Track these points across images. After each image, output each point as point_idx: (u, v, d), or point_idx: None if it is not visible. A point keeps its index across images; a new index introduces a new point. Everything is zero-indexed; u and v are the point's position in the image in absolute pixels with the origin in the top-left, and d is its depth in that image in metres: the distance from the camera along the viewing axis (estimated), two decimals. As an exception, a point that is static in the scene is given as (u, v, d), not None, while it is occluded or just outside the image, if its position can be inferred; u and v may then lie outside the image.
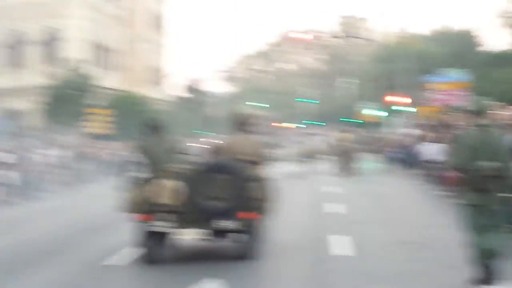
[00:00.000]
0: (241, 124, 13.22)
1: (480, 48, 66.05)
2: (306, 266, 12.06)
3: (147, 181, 12.66)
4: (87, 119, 51.44)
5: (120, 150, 44.81)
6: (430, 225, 16.52)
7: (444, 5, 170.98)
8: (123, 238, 14.82)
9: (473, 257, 9.88)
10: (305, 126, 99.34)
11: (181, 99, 73.56)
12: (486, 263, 9.79)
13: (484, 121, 10.00)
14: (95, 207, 23.60)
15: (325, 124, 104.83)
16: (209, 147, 15.68)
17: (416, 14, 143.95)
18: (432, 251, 13.00)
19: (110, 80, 62.57)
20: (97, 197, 28.76)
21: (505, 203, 9.92)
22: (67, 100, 48.21)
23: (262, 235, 12.99)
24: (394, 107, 58.29)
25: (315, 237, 15.12)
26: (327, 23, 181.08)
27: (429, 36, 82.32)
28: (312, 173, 35.84)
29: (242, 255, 12.51)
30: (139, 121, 55.16)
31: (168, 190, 12.33)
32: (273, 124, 73.24)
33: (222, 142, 13.82)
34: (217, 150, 13.30)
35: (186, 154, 13.88)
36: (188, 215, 12.30)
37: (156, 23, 79.65)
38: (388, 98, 62.94)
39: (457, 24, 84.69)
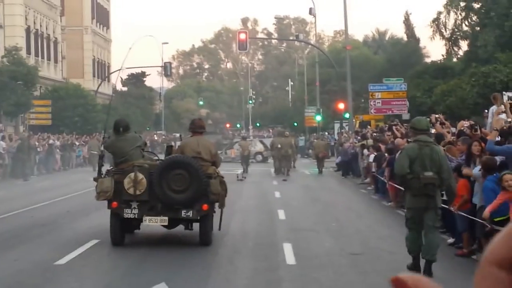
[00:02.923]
0: (199, 127, 15.02)
1: (415, 57, 67.29)
2: (251, 273, 12.28)
3: (116, 174, 14.23)
4: (26, 110, 50.79)
5: (61, 142, 44.62)
6: (378, 236, 16.52)
7: (376, 10, 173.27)
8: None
9: (407, 250, 11.72)
10: (242, 127, 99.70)
11: (124, 93, 73.25)
12: (415, 256, 11.66)
13: (423, 137, 11.69)
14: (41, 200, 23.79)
15: (259, 125, 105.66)
16: (168, 144, 17.60)
17: (350, 17, 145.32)
18: (379, 263, 13.13)
19: (49, 70, 61.91)
20: (44, 190, 28.83)
21: (439, 206, 11.71)
22: (3, 89, 47.30)
23: (212, 225, 14.65)
24: (334, 113, 59.07)
25: (259, 243, 15.32)
26: (262, 22, 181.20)
27: (364, 42, 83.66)
28: (251, 175, 36.51)
29: (199, 241, 14.43)
30: (78, 113, 54.89)
31: (134, 182, 13.97)
32: (227, 125, 73.68)
33: (181, 141, 15.93)
34: (177, 149, 15.02)
35: (149, 151, 16.30)
36: (152, 204, 14.12)
37: (103, 17, 79.10)
38: (328, 103, 63.73)
39: (390, 30, 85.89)
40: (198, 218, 14.32)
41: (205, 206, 14.08)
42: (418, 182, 11.35)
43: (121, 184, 13.99)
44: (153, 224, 14.51)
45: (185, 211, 14.10)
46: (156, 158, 16.04)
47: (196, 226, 14.80)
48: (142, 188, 13.99)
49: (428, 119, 22.03)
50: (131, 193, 13.99)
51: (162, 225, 14.73)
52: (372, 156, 26.25)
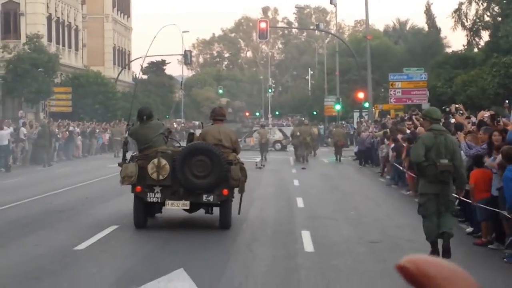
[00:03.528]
0: (220, 115, 15.67)
1: (436, 47, 67.04)
2: (270, 260, 12.28)
3: (139, 159, 14.74)
4: (47, 97, 51.08)
5: (81, 129, 44.84)
6: (397, 225, 16.45)
7: (397, 0, 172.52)
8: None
9: (426, 236, 12.00)
10: (261, 115, 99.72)
11: (144, 81, 73.39)
12: (432, 242, 11.98)
13: (437, 126, 12.09)
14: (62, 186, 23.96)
15: (278, 114, 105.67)
16: (190, 131, 18.03)
17: (371, 7, 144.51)
18: (398, 251, 13.02)
19: (70, 58, 62.13)
20: (65, 176, 29.00)
21: (453, 193, 12.25)
22: (25, 76, 47.59)
23: (231, 209, 15.10)
24: (354, 102, 58.98)
25: (277, 230, 15.37)
26: (283, 11, 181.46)
27: (384, 32, 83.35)
28: (270, 163, 36.56)
29: (219, 224, 14.98)
30: (98, 101, 55.19)
31: (158, 167, 14.46)
32: (246, 113, 73.91)
33: (202, 129, 16.45)
34: (198, 136, 15.56)
35: (172, 139, 16.78)
36: (175, 189, 14.61)
37: (124, 5, 79.24)
38: (347, 92, 63.57)
39: (411, 20, 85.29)
40: (219, 202, 14.80)
41: (225, 191, 14.56)
42: (434, 169, 11.66)
43: (145, 169, 14.48)
44: (175, 208, 14.94)
45: (206, 195, 14.58)
46: (178, 145, 16.62)
47: (216, 210, 15.30)
48: (165, 173, 14.46)
49: (448, 109, 22.07)
50: (154, 178, 14.46)
51: (184, 209, 15.15)
52: (393, 145, 26.10)
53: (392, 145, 25.78)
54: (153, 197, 14.63)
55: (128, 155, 15.53)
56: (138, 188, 14.64)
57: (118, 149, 38.95)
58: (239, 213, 15.22)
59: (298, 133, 38.06)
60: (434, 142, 11.74)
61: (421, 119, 23.84)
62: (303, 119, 54.65)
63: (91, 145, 46.73)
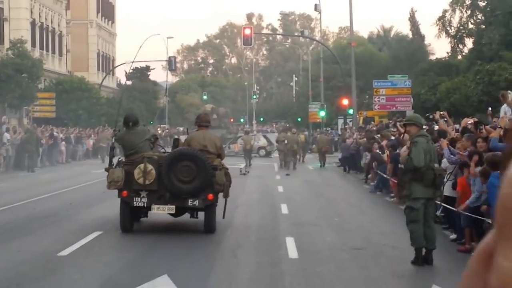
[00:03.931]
0: (205, 121, 16.00)
1: (420, 54, 67.34)
2: (254, 266, 12.25)
3: (126, 165, 14.98)
4: (30, 102, 50.84)
5: (64, 135, 44.64)
6: (381, 232, 16.42)
7: (381, 7, 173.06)
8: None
9: (411, 242, 12.13)
10: (245, 121, 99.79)
11: (128, 87, 73.27)
12: (417, 248, 12.09)
13: (424, 132, 12.61)
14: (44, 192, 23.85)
15: (263, 120, 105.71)
16: (175, 137, 18.56)
17: (355, 14, 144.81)
18: (382, 258, 13.08)
19: (54, 63, 61.89)
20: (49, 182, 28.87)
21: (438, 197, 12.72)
22: (8, 81, 47.32)
23: (216, 214, 15.35)
24: (338, 109, 59.08)
25: (261, 237, 15.34)
26: (267, 18, 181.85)
27: (369, 38, 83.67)
28: (255, 170, 36.56)
29: (204, 229, 15.21)
30: (82, 106, 54.90)
31: (144, 172, 14.72)
32: (231, 120, 73.98)
33: (188, 135, 16.65)
34: (184, 142, 15.79)
35: (159, 145, 16.99)
36: (160, 193, 14.89)
37: (108, 11, 79.07)
38: (332, 99, 63.71)
39: (395, 27, 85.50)
40: (204, 207, 15.08)
41: (210, 196, 14.86)
42: (432, 174, 11.90)
43: (131, 174, 14.76)
44: (161, 212, 15.32)
45: (191, 200, 14.88)
46: (163, 150, 16.87)
47: (201, 214, 15.59)
48: (151, 178, 14.73)
49: (432, 116, 22.14)
50: (140, 183, 14.75)
51: (169, 213, 15.45)
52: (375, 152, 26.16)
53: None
54: (140, 201, 14.88)
55: (115, 160, 15.62)
56: (125, 192, 14.89)
57: (104, 155, 38.99)
58: (223, 217, 15.40)
59: (286, 141, 38.08)
60: (427, 147, 12.02)
61: (404, 125, 23.97)
62: (287, 125, 54.85)
63: (76, 151, 46.57)
